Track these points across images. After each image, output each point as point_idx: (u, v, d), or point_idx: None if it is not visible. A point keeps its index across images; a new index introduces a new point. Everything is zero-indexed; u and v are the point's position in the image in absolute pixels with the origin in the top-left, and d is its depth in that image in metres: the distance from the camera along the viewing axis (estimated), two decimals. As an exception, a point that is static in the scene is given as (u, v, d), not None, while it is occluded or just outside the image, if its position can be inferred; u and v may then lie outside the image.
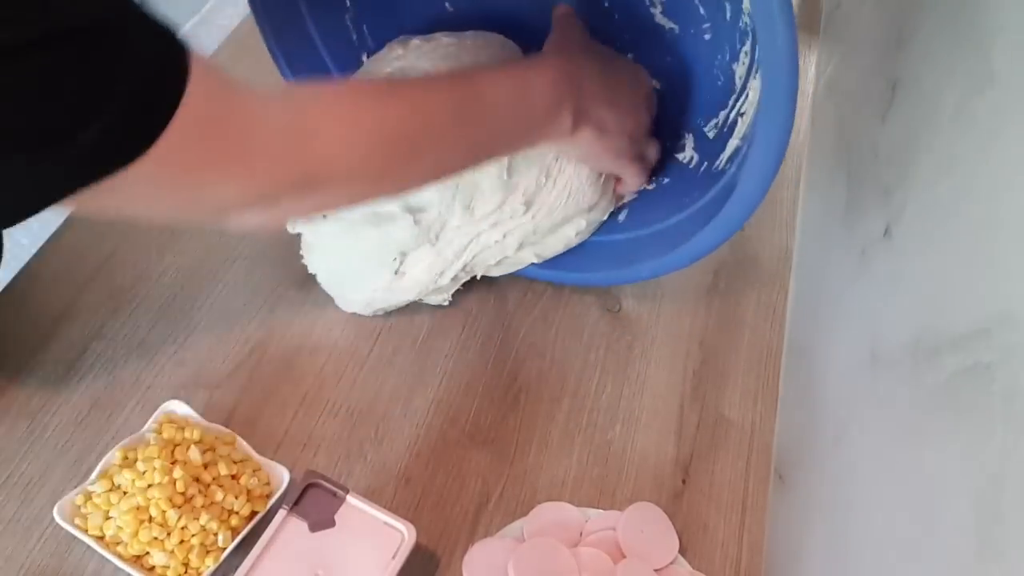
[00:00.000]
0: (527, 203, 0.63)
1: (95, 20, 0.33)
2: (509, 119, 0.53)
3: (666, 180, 0.68)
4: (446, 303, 0.68)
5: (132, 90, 0.34)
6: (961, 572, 0.32)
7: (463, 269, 0.65)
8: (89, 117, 0.33)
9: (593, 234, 0.68)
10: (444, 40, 0.66)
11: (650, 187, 0.68)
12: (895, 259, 0.48)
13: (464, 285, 0.68)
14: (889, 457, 0.43)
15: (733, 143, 0.62)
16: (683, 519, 0.58)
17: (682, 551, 0.56)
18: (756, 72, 0.60)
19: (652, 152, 0.66)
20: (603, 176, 0.65)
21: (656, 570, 0.54)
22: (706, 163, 0.65)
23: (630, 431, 0.63)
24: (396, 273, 0.64)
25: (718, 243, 0.56)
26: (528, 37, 0.77)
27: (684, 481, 0.61)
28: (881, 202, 0.52)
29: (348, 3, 0.72)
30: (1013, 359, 0.32)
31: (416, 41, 0.66)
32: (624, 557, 0.54)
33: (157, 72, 0.35)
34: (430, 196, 0.62)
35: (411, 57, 0.64)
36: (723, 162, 0.62)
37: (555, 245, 0.66)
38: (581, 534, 0.56)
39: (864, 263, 0.53)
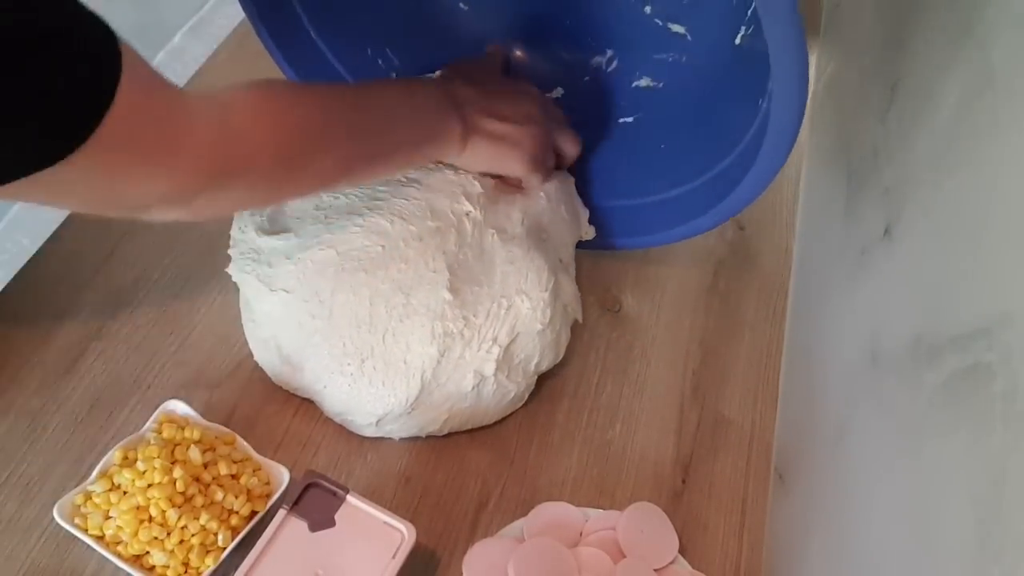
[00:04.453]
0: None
1: (30, 24, 0.33)
2: (402, 120, 0.57)
3: (705, 127, 0.68)
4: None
5: (65, 88, 0.35)
6: (961, 572, 0.32)
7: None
8: (23, 116, 0.34)
9: (641, 197, 0.69)
10: None
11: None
12: (895, 259, 0.48)
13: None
14: (889, 457, 0.43)
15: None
16: (683, 519, 0.58)
17: (682, 551, 0.56)
18: None
19: (569, 147, 0.68)
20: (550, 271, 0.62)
21: (656, 570, 0.54)
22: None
23: (630, 431, 0.63)
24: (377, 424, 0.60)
25: (768, 180, 0.55)
26: (537, 34, 0.77)
27: (684, 481, 0.61)
28: (881, 202, 0.52)
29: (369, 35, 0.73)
30: (1013, 359, 0.32)
31: None
32: (624, 557, 0.54)
33: (91, 69, 0.36)
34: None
35: None
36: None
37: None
38: (581, 534, 0.56)
39: (864, 263, 0.53)
